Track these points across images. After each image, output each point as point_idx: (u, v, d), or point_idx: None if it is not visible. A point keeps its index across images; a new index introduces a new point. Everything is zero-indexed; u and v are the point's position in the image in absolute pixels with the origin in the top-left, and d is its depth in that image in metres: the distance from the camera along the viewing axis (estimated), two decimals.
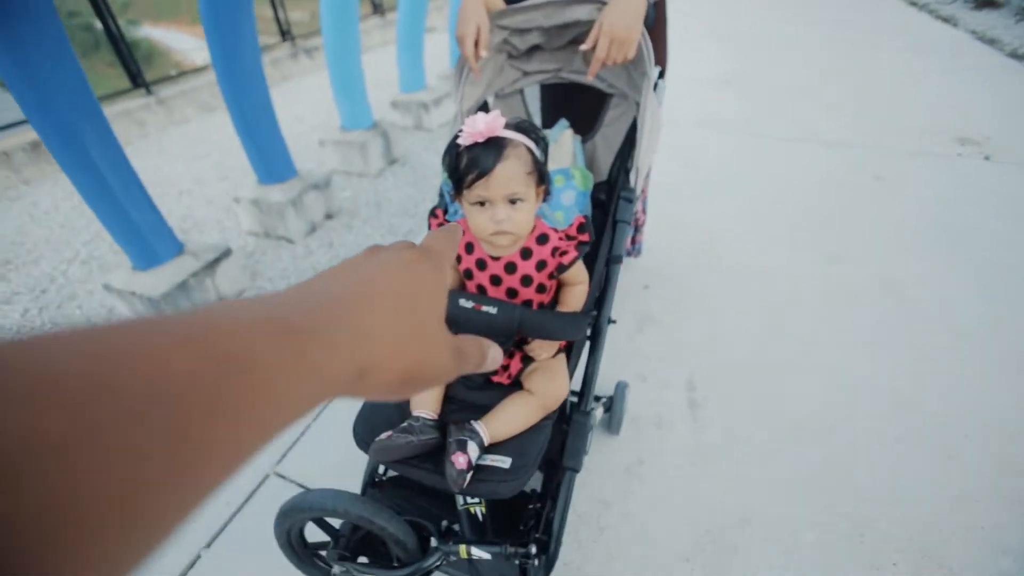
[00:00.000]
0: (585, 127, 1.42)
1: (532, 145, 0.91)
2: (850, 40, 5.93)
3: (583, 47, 1.06)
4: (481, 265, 1.00)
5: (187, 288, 2.09)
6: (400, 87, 3.99)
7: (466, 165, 0.87)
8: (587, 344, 1.10)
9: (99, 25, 4.25)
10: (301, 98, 5.15)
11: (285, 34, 5.98)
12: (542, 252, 0.98)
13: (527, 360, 1.00)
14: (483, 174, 0.85)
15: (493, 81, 1.37)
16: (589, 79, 1.18)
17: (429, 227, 1.22)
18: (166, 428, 0.13)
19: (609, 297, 1.10)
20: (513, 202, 0.89)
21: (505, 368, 1.00)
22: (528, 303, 1.01)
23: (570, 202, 1.21)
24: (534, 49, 1.33)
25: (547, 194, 0.98)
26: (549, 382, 0.95)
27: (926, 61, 5.12)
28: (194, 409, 0.14)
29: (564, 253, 0.98)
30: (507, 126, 0.90)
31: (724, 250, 2.41)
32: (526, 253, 0.98)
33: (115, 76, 4.61)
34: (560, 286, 1.05)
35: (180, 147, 4.23)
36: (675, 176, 2.98)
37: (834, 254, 2.36)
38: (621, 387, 1.55)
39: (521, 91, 1.46)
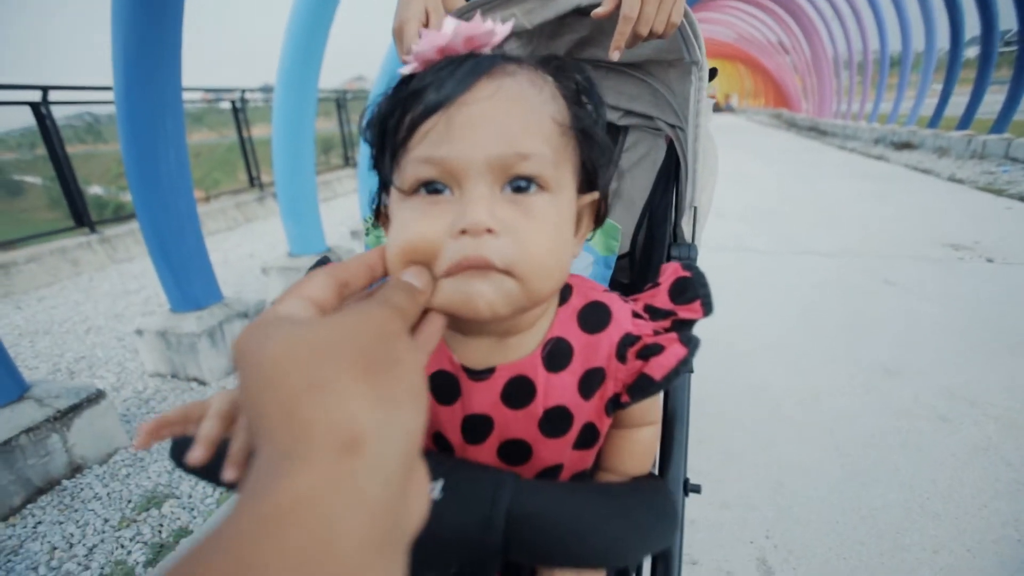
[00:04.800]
0: None
1: (563, 87, 0.40)
2: (803, 175, 6.32)
3: (599, 11, 0.64)
4: (445, 389, 0.45)
5: (13, 450, 1.43)
6: (362, 213, 3.76)
7: (408, 95, 0.36)
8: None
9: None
10: (260, 238, 4.91)
11: (254, 180, 5.99)
12: (596, 348, 0.44)
13: None
14: (442, 102, 0.35)
15: None
16: (612, 58, 0.65)
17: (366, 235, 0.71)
18: None
19: (679, 440, 0.57)
20: (519, 189, 0.36)
21: None
22: (550, 472, 0.47)
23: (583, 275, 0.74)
24: None
25: (601, 218, 0.46)
26: None
27: (877, 185, 5.37)
28: None
29: (653, 352, 0.42)
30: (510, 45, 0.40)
31: (759, 372, 1.94)
32: (557, 352, 0.44)
33: (58, 219, 4.36)
34: (611, 430, 0.49)
35: (114, 284, 3.77)
36: None
37: (887, 366, 1.91)
38: None
39: None
